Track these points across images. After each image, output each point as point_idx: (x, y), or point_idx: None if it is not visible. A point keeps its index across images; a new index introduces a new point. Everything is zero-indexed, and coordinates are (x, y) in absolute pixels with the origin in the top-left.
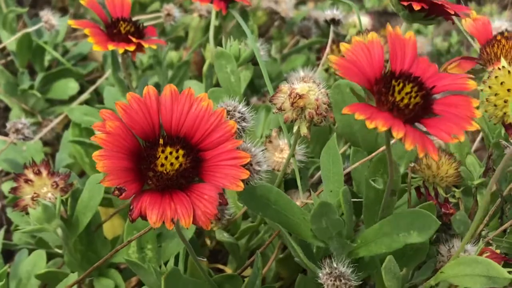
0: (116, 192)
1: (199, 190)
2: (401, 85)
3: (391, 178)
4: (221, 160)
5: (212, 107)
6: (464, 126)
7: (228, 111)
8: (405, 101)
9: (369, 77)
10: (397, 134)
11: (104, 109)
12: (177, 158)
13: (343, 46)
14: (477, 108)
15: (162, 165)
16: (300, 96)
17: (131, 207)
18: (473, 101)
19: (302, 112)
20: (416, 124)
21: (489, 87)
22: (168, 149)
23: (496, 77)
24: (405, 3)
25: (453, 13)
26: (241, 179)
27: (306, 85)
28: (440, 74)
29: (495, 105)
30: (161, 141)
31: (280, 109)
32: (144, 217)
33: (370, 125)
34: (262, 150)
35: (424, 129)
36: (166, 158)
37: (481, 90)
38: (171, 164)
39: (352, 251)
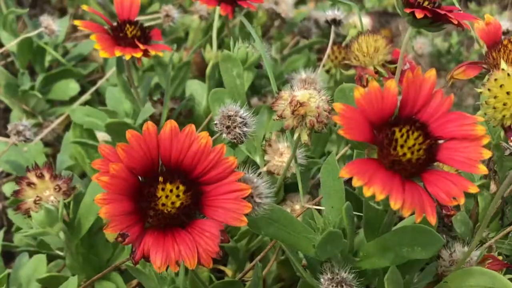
0: (120, 238)
1: (200, 227)
2: (404, 137)
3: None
4: (222, 193)
5: (211, 144)
6: (465, 186)
7: (229, 116)
8: (408, 156)
9: (375, 124)
10: (395, 204)
11: (103, 145)
12: (177, 196)
13: (358, 91)
14: (486, 146)
15: (163, 204)
16: (301, 104)
17: (133, 249)
18: (482, 140)
19: (303, 120)
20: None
21: (488, 89)
22: (168, 187)
23: (495, 79)
24: (408, 10)
25: (456, 23)
26: (243, 213)
27: (307, 92)
28: (449, 116)
29: (494, 108)
30: (160, 179)
31: (280, 116)
32: (146, 259)
33: (367, 192)
34: (265, 182)
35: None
36: (167, 196)
37: (481, 92)
38: (172, 202)
39: (355, 265)
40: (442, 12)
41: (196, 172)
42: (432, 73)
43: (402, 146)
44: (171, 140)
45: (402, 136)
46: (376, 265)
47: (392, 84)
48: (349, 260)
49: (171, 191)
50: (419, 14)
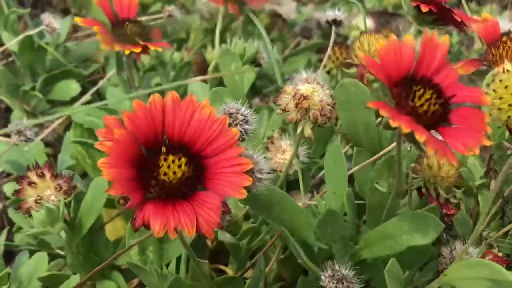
0: (122, 201)
1: (202, 198)
2: (421, 90)
3: (398, 181)
4: (224, 167)
5: (215, 114)
6: (480, 139)
7: (230, 114)
8: (425, 107)
9: (393, 78)
10: (420, 137)
11: (108, 116)
12: (179, 166)
13: (379, 42)
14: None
15: (165, 173)
16: (305, 97)
17: (134, 216)
18: (486, 116)
19: (306, 113)
20: (433, 131)
21: (494, 90)
22: (171, 157)
23: (500, 80)
24: (414, 4)
25: (460, 20)
26: (244, 186)
27: (310, 86)
28: (458, 84)
29: (500, 109)
30: (163, 149)
31: (284, 110)
32: (147, 226)
33: (393, 124)
34: (265, 157)
35: (440, 137)
36: (168, 166)
37: (486, 93)
38: (174, 172)
39: (355, 253)
40: (447, 7)
41: (199, 144)
42: (446, 38)
43: (419, 98)
44: (174, 110)
45: (419, 89)
46: (376, 254)
47: (410, 38)
48: (350, 248)
49: (173, 161)
50: (424, 8)
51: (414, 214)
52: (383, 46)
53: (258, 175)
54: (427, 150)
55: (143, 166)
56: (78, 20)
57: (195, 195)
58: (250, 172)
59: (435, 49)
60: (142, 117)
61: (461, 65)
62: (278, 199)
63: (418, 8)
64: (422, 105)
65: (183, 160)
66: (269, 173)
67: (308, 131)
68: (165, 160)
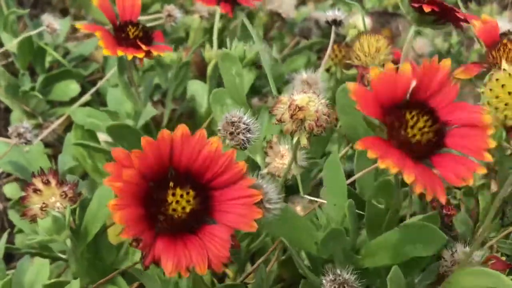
0: (134, 243)
1: (211, 232)
2: (414, 119)
3: (396, 203)
4: (232, 198)
5: (222, 149)
6: (474, 167)
7: (233, 122)
8: (417, 137)
9: (386, 105)
10: (408, 178)
11: (117, 149)
12: (188, 201)
13: (374, 71)
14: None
15: (174, 209)
16: (300, 108)
17: (143, 254)
18: (488, 130)
19: (301, 124)
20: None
21: (490, 89)
22: (179, 192)
23: (497, 79)
24: (416, 5)
25: (463, 18)
26: (254, 219)
27: (306, 96)
28: (457, 104)
29: (496, 108)
30: (171, 184)
31: (280, 120)
32: (157, 263)
33: (381, 165)
34: (274, 187)
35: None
36: (177, 202)
37: (482, 92)
38: (183, 208)
39: (356, 262)
40: (449, 6)
41: (206, 177)
42: (447, 62)
43: (412, 127)
44: (182, 145)
45: (412, 118)
46: (378, 263)
47: (406, 68)
48: (351, 258)
49: (181, 196)
50: (426, 8)
51: (416, 225)
52: (378, 74)
53: (267, 205)
54: (415, 189)
55: (150, 201)
56: (79, 26)
57: (203, 228)
58: (259, 202)
59: (435, 73)
60: (151, 155)
61: (463, 70)
62: None
63: (418, 9)
64: (414, 135)
65: (192, 193)
66: (277, 202)
67: (304, 142)
68: (173, 195)
